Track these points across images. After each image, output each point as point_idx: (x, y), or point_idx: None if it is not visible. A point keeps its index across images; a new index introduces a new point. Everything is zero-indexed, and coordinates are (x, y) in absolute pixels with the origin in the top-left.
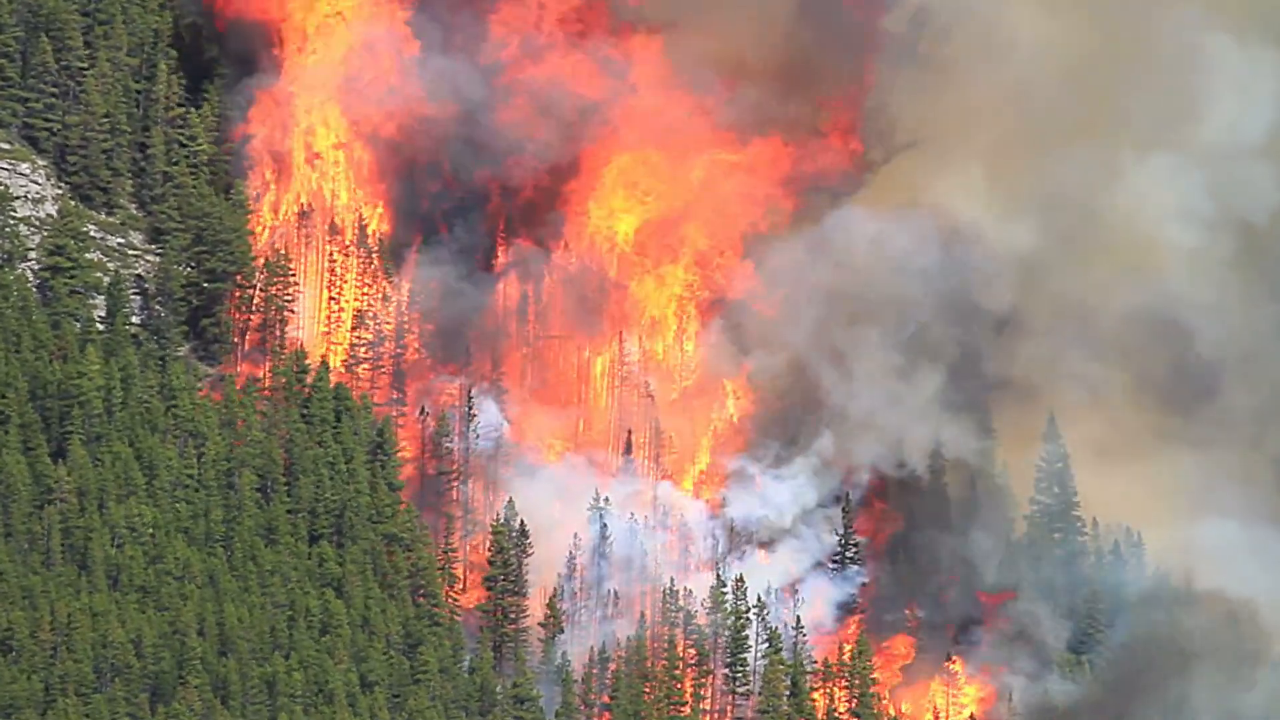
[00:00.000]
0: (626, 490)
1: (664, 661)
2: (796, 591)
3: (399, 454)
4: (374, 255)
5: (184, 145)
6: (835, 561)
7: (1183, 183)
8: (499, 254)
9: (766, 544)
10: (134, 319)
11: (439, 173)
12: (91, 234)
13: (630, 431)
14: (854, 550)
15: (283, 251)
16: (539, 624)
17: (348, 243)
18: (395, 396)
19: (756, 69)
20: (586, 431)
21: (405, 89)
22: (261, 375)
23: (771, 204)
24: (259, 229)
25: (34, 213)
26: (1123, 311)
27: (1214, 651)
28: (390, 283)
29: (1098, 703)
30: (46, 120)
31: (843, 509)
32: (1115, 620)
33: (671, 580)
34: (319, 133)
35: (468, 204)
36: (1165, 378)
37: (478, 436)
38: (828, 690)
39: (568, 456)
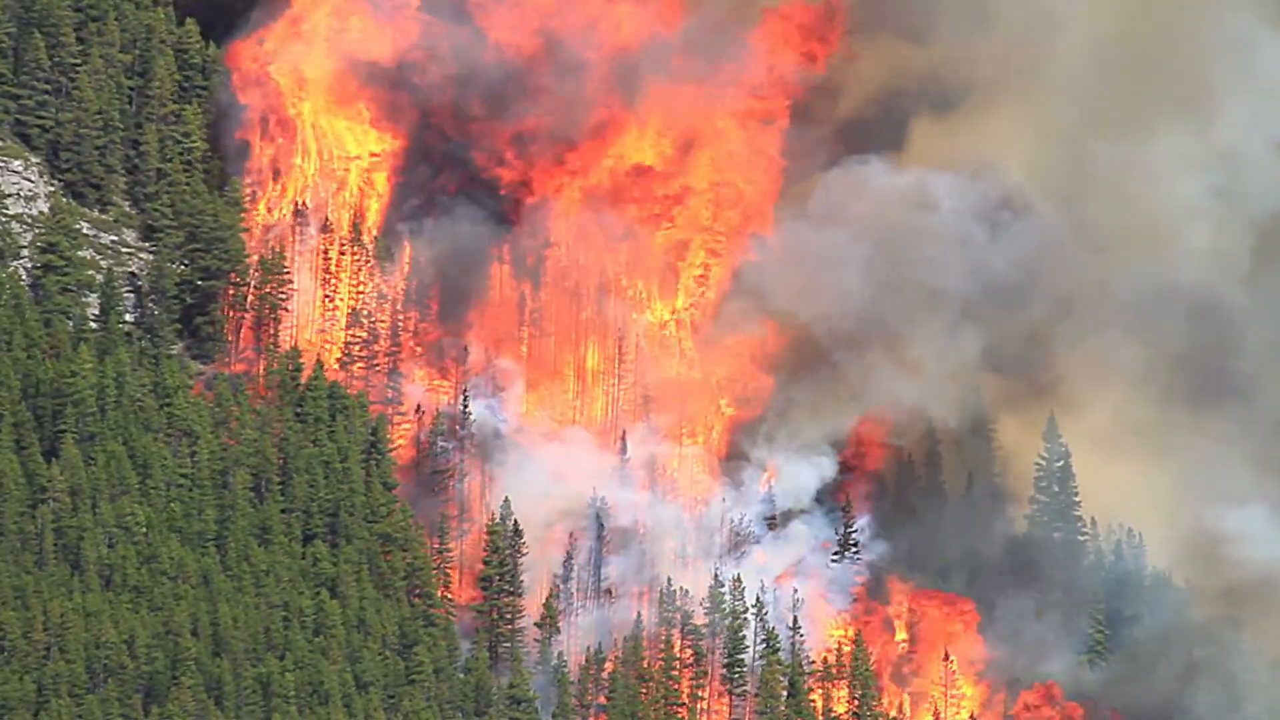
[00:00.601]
0: (629, 472)
1: (661, 661)
2: (796, 592)
3: (393, 452)
4: (368, 247)
5: (178, 142)
6: (836, 557)
7: (1206, 172)
8: (513, 206)
9: (775, 525)
10: (127, 317)
11: (448, 113)
12: (84, 231)
13: (625, 432)
14: (855, 548)
15: (277, 249)
16: (535, 624)
17: (342, 237)
18: (390, 395)
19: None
20: (589, 408)
21: (407, 24)
22: (256, 374)
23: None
24: (254, 226)
25: (26, 210)
26: (1142, 301)
27: (1222, 648)
28: (386, 281)
29: (1105, 697)
30: (39, 117)
31: (843, 508)
32: (1122, 616)
33: (669, 580)
34: (314, 63)
35: (479, 151)
36: (1185, 367)
37: (473, 435)
38: (824, 690)
39: (570, 433)
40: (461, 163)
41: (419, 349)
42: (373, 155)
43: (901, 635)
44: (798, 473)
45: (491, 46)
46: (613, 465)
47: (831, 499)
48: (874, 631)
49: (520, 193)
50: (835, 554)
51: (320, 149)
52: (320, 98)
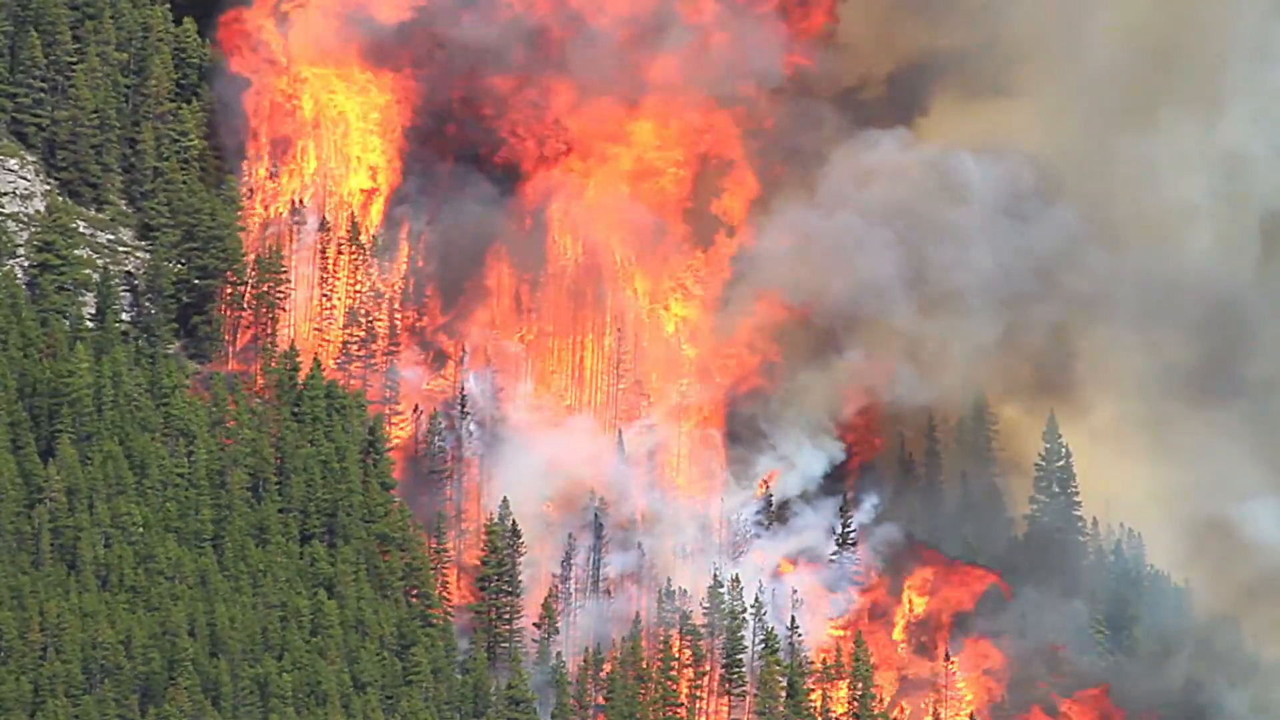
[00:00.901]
0: (629, 465)
1: (659, 662)
2: (795, 592)
3: (391, 451)
4: (365, 247)
5: (175, 140)
6: (835, 555)
7: (1215, 169)
8: (516, 184)
9: (774, 520)
10: (124, 316)
11: (454, 83)
12: (81, 230)
13: (621, 431)
14: (854, 546)
15: (274, 248)
16: (533, 624)
17: (340, 236)
18: (388, 395)
19: None
20: (590, 397)
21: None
22: (253, 373)
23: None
24: (251, 224)
25: (22, 209)
26: (1149, 296)
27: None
28: (384, 279)
29: (1110, 695)
30: (35, 115)
31: (841, 508)
32: (1127, 613)
33: (669, 580)
34: (314, 28)
35: (485, 122)
36: (1191, 363)
37: (471, 434)
38: (824, 690)
39: (570, 423)
40: (467, 136)
41: (417, 344)
42: (371, 113)
43: (920, 603)
44: (803, 459)
45: (503, 13)
46: (613, 457)
47: (836, 486)
48: (882, 600)
49: (524, 170)
50: (834, 552)
51: (319, 140)
52: (321, 65)
